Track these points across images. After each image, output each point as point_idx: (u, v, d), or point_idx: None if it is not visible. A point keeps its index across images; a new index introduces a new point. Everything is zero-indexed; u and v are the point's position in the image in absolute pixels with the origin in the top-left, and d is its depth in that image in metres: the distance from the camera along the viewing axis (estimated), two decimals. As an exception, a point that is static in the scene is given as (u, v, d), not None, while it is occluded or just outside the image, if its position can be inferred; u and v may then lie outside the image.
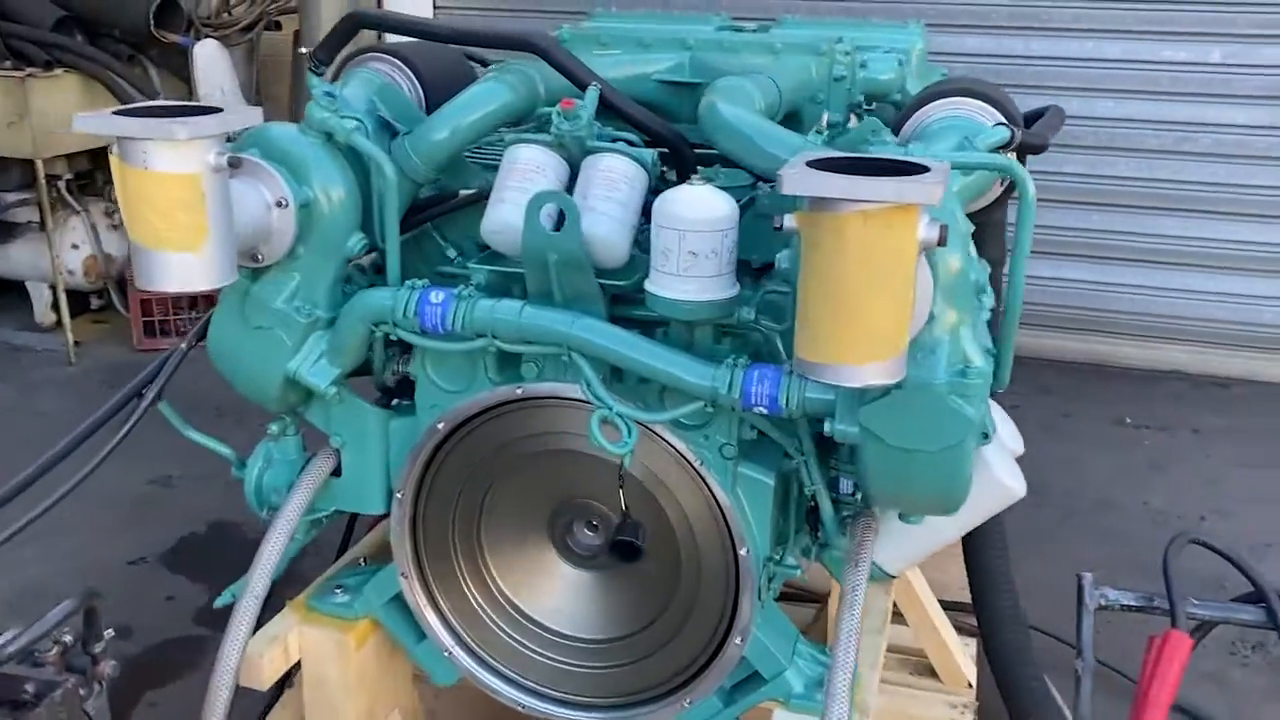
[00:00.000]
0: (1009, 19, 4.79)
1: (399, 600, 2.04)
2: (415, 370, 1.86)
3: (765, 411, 1.60)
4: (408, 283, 1.73)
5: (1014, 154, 1.80)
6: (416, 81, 2.12)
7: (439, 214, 1.93)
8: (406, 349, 1.86)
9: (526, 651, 2.01)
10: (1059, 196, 4.79)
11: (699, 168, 1.90)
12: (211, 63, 4.86)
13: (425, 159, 1.82)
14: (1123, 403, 4.72)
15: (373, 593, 2.04)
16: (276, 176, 1.67)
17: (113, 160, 1.51)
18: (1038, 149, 1.81)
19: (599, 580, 1.96)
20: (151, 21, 4.85)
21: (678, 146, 1.87)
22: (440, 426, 1.86)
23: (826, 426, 1.54)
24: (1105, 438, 4.46)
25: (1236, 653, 3.14)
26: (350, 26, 1.95)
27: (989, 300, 1.70)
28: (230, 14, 5.18)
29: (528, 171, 1.75)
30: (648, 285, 1.65)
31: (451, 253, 1.98)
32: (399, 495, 1.94)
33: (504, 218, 1.72)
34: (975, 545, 2.24)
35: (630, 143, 1.79)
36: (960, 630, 2.63)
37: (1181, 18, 4.62)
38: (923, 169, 1.26)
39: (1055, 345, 5.07)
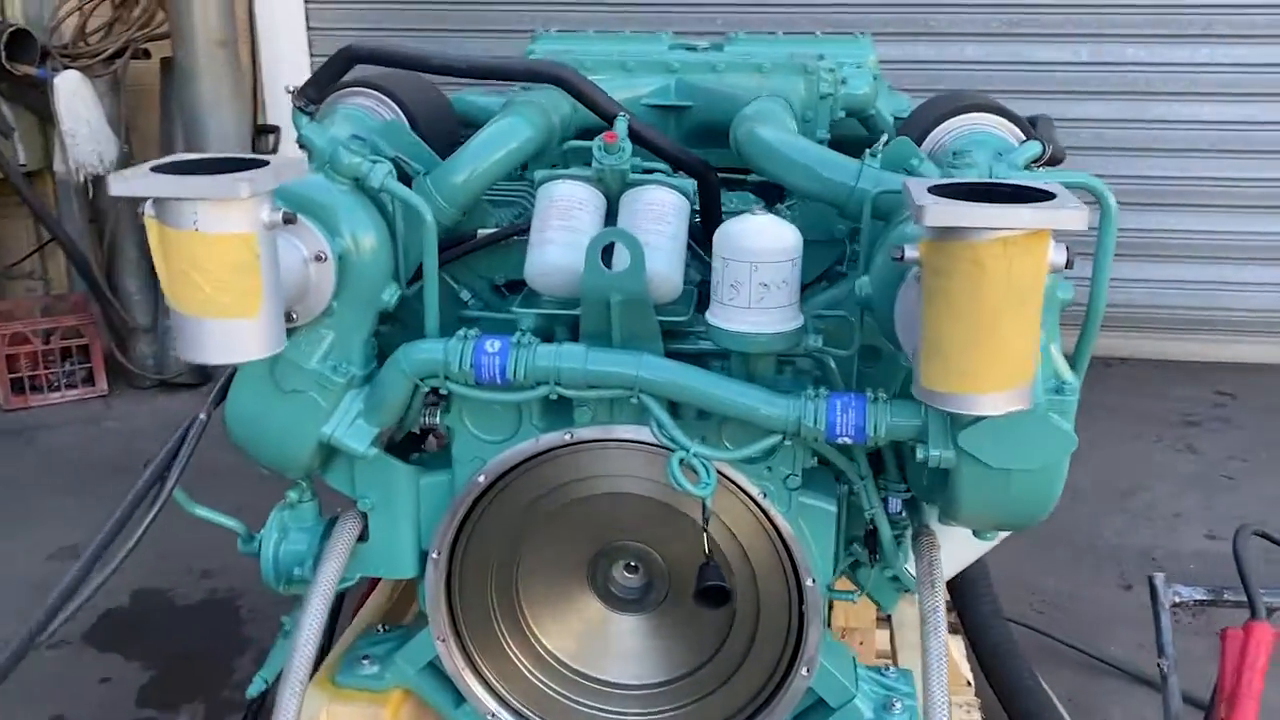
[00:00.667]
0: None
1: (432, 665, 1.93)
2: (452, 422, 1.76)
3: (850, 440, 1.57)
4: (459, 333, 1.63)
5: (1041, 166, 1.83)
6: (403, 116, 2.02)
7: (458, 256, 1.83)
8: (438, 400, 1.75)
9: (575, 705, 1.93)
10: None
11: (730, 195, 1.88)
12: (73, 95, 4.51)
13: (450, 201, 1.72)
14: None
15: (405, 660, 1.92)
16: (313, 229, 1.55)
17: (149, 223, 1.36)
18: (1058, 160, 1.85)
19: (647, 623, 1.90)
20: (2, 53, 4.47)
21: (704, 174, 1.83)
22: (482, 479, 1.77)
23: (919, 453, 1.53)
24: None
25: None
26: (345, 61, 1.83)
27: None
28: (87, 43, 4.82)
29: (570, 209, 1.68)
30: (712, 319, 1.61)
31: (465, 295, 1.88)
32: (434, 555, 1.83)
33: (552, 260, 1.65)
34: None
35: (667, 172, 1.74)
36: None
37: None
38: (1047, 195, 1.26)
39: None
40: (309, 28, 5.29)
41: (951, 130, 1.88)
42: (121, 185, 1.33)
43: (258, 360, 1.63)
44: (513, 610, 1.90)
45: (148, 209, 1.37)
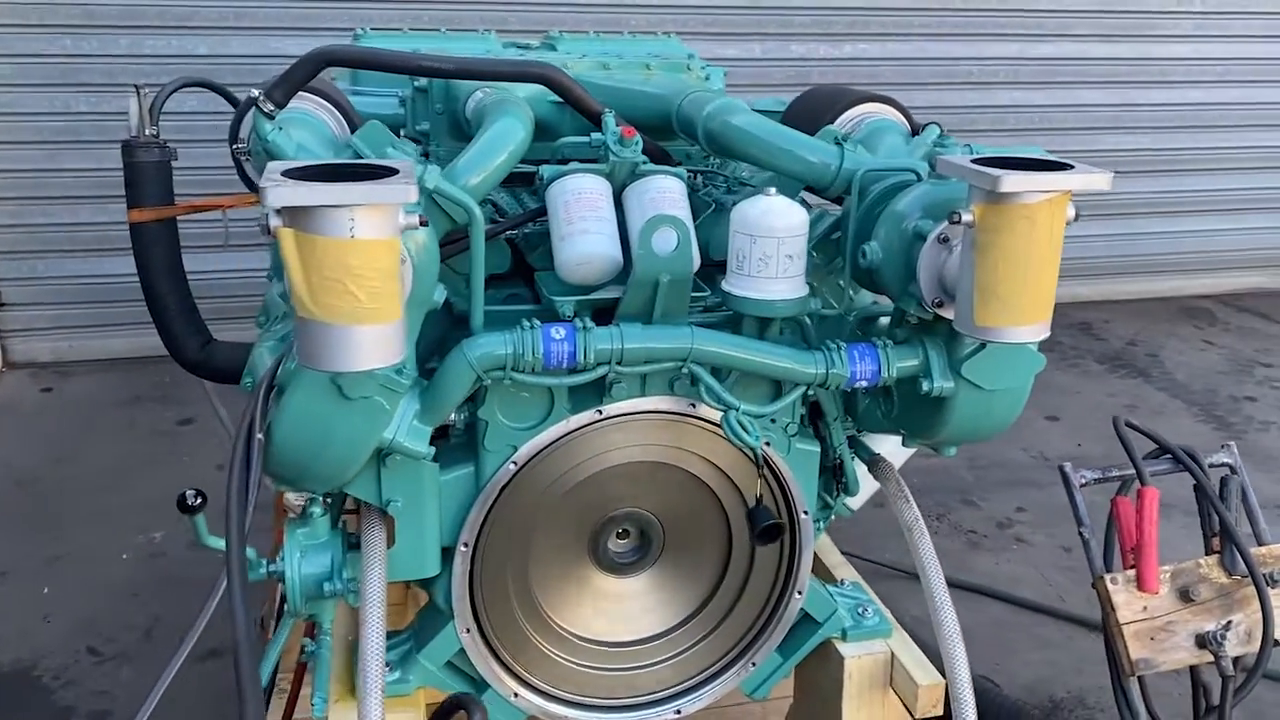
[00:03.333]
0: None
1: (449, 660, 1.96)
2: (484, 414, 1.80)
3: (867, 384, 1.84)
4: (522, 324, 1.69)
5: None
6: (344, 121, 2.01)
7: (454, 254, 1.87)
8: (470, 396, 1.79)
9: (594, 671, 2.04)
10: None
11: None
12: None
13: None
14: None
15: (428, 660, 1.93)
16: (395, 232, 1.54)
17: (284, 234, 1.32)
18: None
19: (648, 580, 2.06)
20: None
21: (664, 161, 2.01)
22: (513, 466, 1.83)
23: (924, 385, 1.82)
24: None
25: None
26: (316, 64, 1.79)
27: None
28: None
29: (596, 201, 1.79)
30: (736, 290, 1.80)
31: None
32: (463, 548, 1.86)
33: (592, 248, 1.75)
34: None
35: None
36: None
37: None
38: (1063, 164, 1.59)
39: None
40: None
41: (854, 119, 2.19)
42: (280, 196, 1.28)
43: (316, 373, 1.61)
44: (528, 591, 1.97)
45: (274, 220, 1.33)
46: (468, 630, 1.92)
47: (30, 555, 3.60)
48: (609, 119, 1.89)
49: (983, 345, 1.78)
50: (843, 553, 3.47)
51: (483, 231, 1.69)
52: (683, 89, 2.19)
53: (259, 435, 1.58)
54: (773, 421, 1.93)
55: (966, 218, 1.57)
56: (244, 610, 1.37)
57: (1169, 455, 2.13)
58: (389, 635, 2.02)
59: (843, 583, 2.25)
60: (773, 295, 1.78)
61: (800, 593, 2.07)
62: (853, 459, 2.11)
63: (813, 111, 2.25)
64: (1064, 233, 1.59)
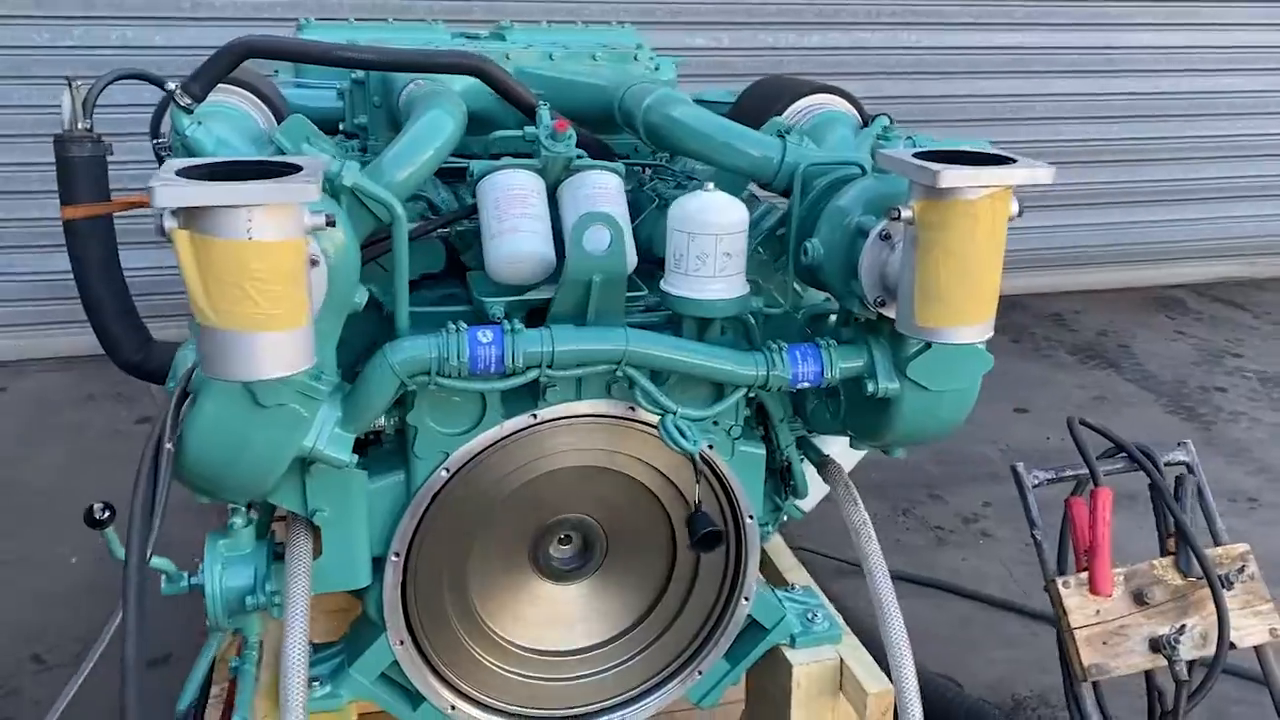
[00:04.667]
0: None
1: (383, 673, 1.89)
2: (413, 420, 1.74)
3: (809, 385, 1.78)
4: (448, 326, 1.62)
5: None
6: (272, 115, 1.93)
7: (382, 253, 1.80)
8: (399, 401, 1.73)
9: (535, 681, 1.98)
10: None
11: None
12: None
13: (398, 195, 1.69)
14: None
15: (360, 673, 1.87)
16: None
17: (178, 236, 1.25)
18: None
19: (589, 587, 2.00)
20: None
21: (606, 156, 1.94)
22: (444, 473, 1.77)
23: (869, 386, 1.77)
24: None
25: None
26: (236, 56, 1.72)
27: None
28: None
29: (526, 197, 1.72)
30: (672, 289, 1.74)
31: (374, 290, 1.85)
32: (394, 558, 1.80)
33: (521, 247, 1.69)
34: None
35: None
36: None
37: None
38: (1006, 158, 1.54)
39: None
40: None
41: (802, 110, 2.13)
42: (168, 195, 1.21)
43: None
44: (465, 601, 1.91)
45: (168, 221, 1.26)
46: (401, 642, 1.86)
47: (-25, 560, 3.51)
48: (543, 112, 1.82)
49: (928, 346, 1.72)
50: (817, 553, 3.48)
51: (405, 230, 1.62)
52: (626, 80, 2.12)
53: (169, 445, 1.51)
54: (715, 424, 1.87)
55: (906, 214, 1.51)
56: (138, 631, 1.30)
57: (1125, 454, 2.08)
58: (323, 647, 1.96)
59: (793, 587, 2.20)
60: (710, 295, 1.72)
61: (747, 599, 2.01)
62: (801, 461, 2.05)
63: (762, 103, 2.19)
64: (1006, 228, 1.53)
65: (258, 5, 4.89)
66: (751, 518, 1.95)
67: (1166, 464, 2.09)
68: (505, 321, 1.66)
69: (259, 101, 1.91)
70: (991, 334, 1.58)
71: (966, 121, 5.89)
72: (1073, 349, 5.73)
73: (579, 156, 1.81)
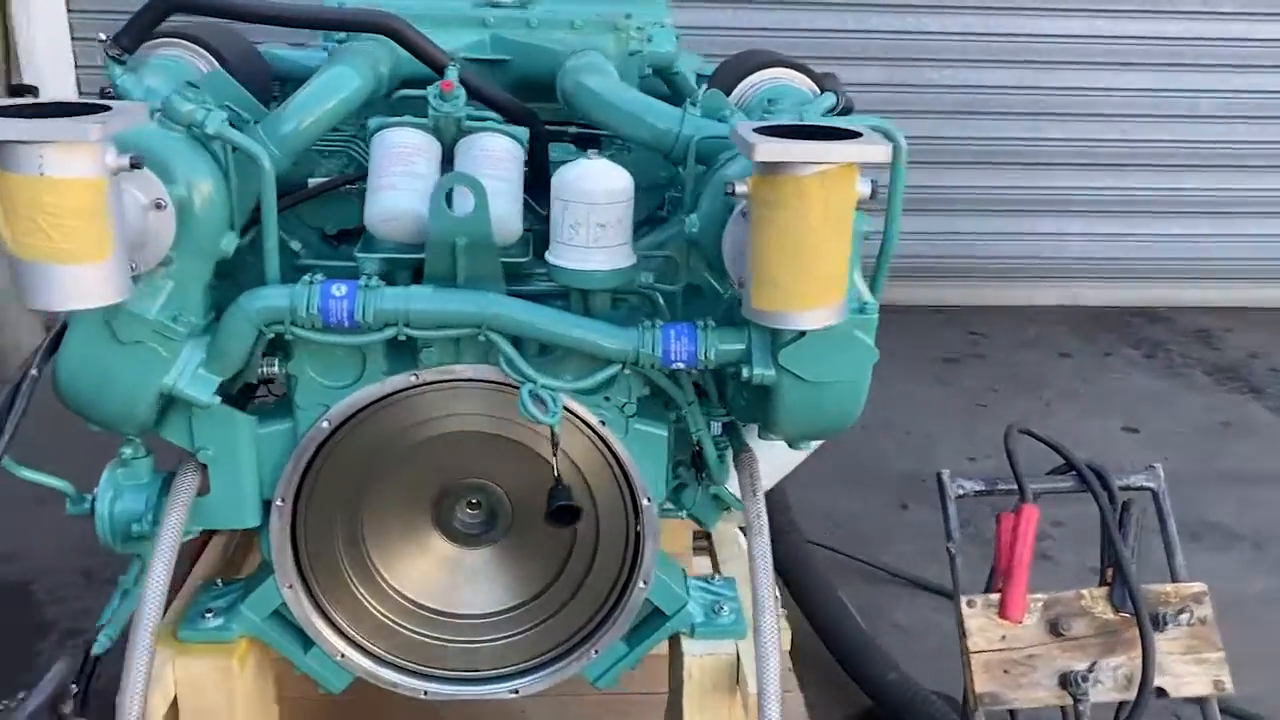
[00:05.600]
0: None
1: (277, 613, 1.95)
2: (294, 369, 1.78)
3: (683, 366, 1.72)
4: (304, 278, 1.66)
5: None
6: (218, 66, 2.00)
7: (292, 205, 1.85)
8: (278, 348, 1.77)
9: (428, 640, 2.00)
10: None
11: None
12: None
13: (282, 149, 1.73)
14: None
15: (250, 609, 1.93)
16: (151, 176, 1.54)
17: (-15, 169, 1.33)
18: (849, 110, 2.05)
19: (493, 554, 2.00)
20: None
21: (532, 123, 1.92)
22: (326, 424, 1.81)
23: (744, 372, 1.69)
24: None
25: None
26: (162, 10, 1.80)
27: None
28: None
29: (408, 155, 1.73)
30: (552, 259, 1.71)
31: (296, 245, 1.90)
32: (279, 503, 1.85)
33: (396, 204, 1.70)
34: None
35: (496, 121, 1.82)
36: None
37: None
38: (854, 133, 1.43)
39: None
40: (73, 38, 4.95)
41: (755, 84, 2.05)
42: (-37, 129, 1.29)
43: (92, 312, 1.62)
44: (360, 553, 1.94)
45: (-18, 156, 1.34)
46: (289, 586, 1.91)
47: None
48: (450, 71, 1.82)
49: (802, 333, 1.63)
50: (828, 548, 3.36)
51: (273, 182, 1.66)
52: (578, 48, 2.09)
53: (34, 371, 1.61)
54: (606, 399, 1.83)
55: (741, 189, 1.43)
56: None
57: (1073, 471, 1.90)
58: (227, 582, 2.05)
59: (714, 578, 2.12)
60: (582, 265, 1.68)
61: (645, 583, 1.96)
62: (725, 446, 1.98)
63: (723, 78, 2.12)
64: (852, 211, 1.43)
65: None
66: (649, 500, 1.90)
67: (1127, 487, 1.90)
68: (367, 277, 1.67)
69: (209, 55, 1.99)
70: (836, 320, 1.48)
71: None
72: (1211, 369, 5.25)
73: (480, 119, 1.80)
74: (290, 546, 1.90)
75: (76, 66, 4.93)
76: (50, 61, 4.84)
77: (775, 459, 2.12)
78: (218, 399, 1.70)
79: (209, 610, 1.95)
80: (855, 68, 5.19)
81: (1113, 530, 1.82)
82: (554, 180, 1.68)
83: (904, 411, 4.52)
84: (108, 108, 1.38)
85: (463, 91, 1.74)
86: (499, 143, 1.76)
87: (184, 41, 1.99)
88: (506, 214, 1.71)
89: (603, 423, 1.83)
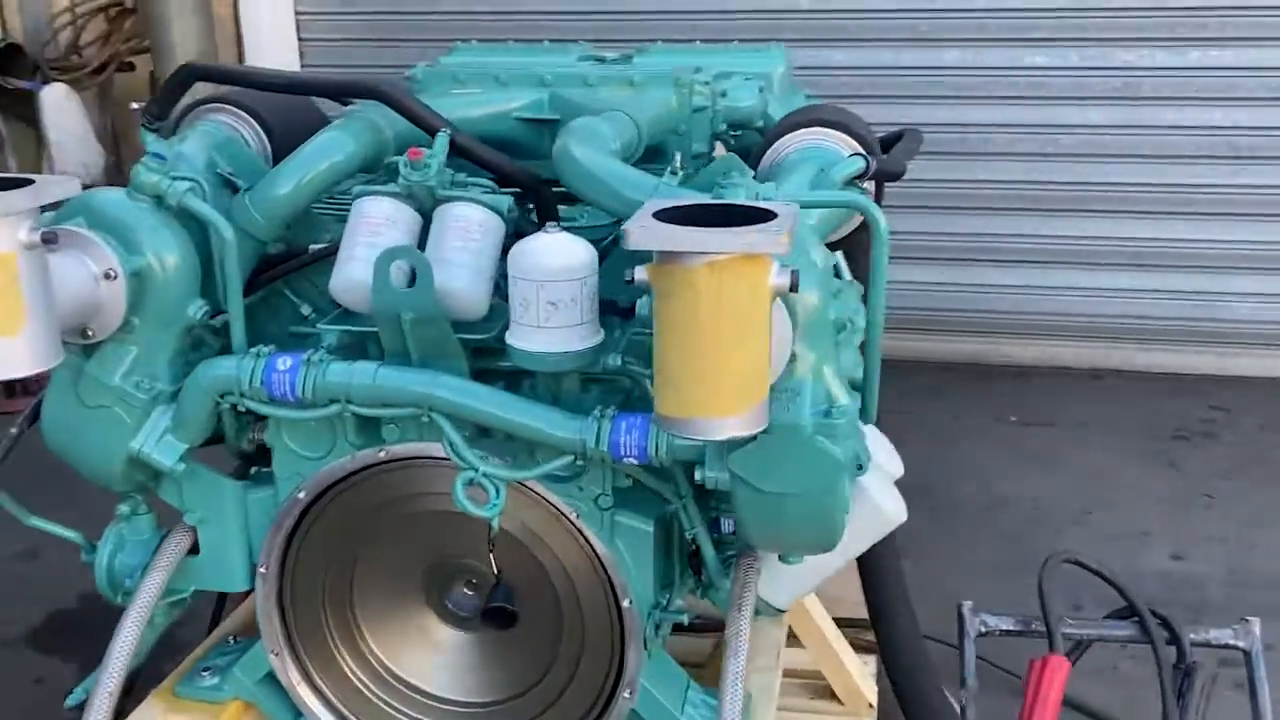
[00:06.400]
0: (879, 32, 4.89)
1: (271, 678, 1.94)
2: (271, 438, 1.76)
3: (635, 461, 1.55)
4: (252, 350, 1.64)
5: (872, 181, 1.79)
6: (262, 132, 2.03)
7: (288, 271, 1.84)
8: (262, 415, 1.76)
9: (406, 718, 1.93)
10: (930, 202, 4.92)
11: (560, 208, 1.86)
12: (59, 107, 4.65)
13: (268, 216, 1.73)
14: (1006, 401, 4.84)
15: (242, 672, 1.93)
16: (102, 247, 1.57)
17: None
18: (894, 175, 1.81)
19: (482, 641, 1.89)
20: (-5, 69, 4.63)
21: (535, 188, 1.82)
22: (302, 495, 1.77)
23: (697, 474, 1.50)
24: (992, 437, 4.56)
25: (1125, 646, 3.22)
26: (184, 79, 1.86)
27: (861, 323, 1.70)
28: (80, 55, 4.96)
29: (376, 225, 1.67)
30: (508, 338, 1.59)
31: (306, 309, 1.89)
32: (262, 570, 1.84)
33: (353, 275, 1.64)
34: (869, 562, 2.24)
35: (489, 188, 1.73)
36: (858, 648, 2.63)
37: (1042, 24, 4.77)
38: (770, 214, 1.23)
39: (940, 349, 5.20)
40: (300, 39, 5.35)
41: (790, 145, 1.85)
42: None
43: (66, 376, 1.67)
44: (347, 624, 1.90)
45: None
46: (275, 652, 1.89)
47: None
48: (441, 138, 1.75)
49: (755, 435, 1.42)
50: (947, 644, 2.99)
51: (233, 250, 1.65)
52: (613, 106, 1.97)
53: (14, 430, 1.68)
54: (580, 489, 1.69)
55: (640, 276, 1.26)
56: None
57: (1134, 617, 1.56)
58: (239, 640, 2.06)
59: (722, 692, 1.90)
60: (531, 345, 1.55)
61: (630, 693, 1.79)
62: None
63: (772, 135, 1.94)
64: (762, 305, 1.22)
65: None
66: (629, 602, 1.73)
67: (1206, 644, 1.54)
68: (313, 351, 1.63)
69: (249, 119, 2.02)
70: (752, 430, 1.27)
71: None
72: None
73: (467, 185, 1.71)
74: (277, 613, 1.88)
75: (300, 39, 5.24)
76: (273, 39, 5.15)
77: (796, 572, 1.90)
78: (183, 465, 1.71)
79: (208, 668, 1.97)
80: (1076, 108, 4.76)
81: (1166, 695, 1.46)
82: (509, 256, 1.57)
83: (1114, 497, 4.02)
84: (29, 182, 1.41)
85: (436, 160, 1.67)
86: (471, 213, 1.67)
87: (229, 107, 2.04)
88: (466, 288, 1.61)
89: (578, 514, 1.69)
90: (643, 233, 1.17)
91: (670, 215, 1.23)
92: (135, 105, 1.85)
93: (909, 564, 3.43)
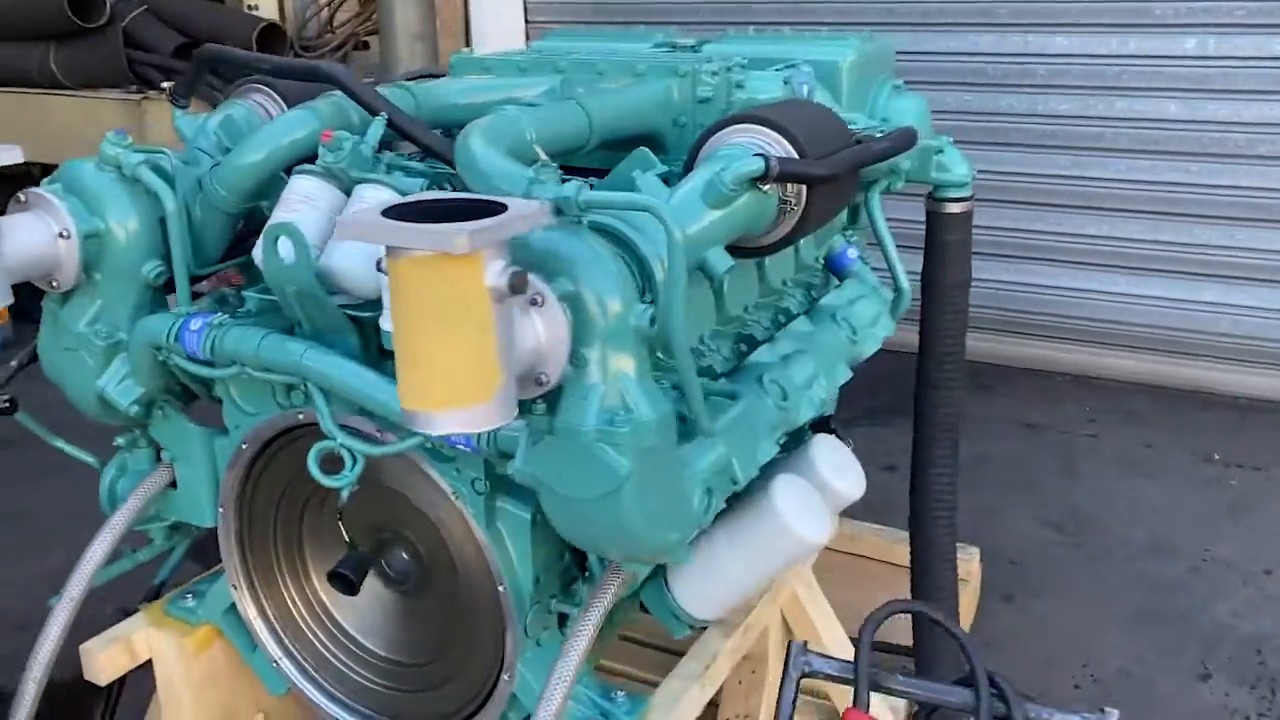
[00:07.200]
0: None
1: (235, 609, 2.13)
2: (220, 392, 1.93)
3: (467, 450, 1.57)
4: (175, 309, 1.81)
5: (799, 184, 1.70)
6: (285, 108, 2.20)
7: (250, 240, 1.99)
8: None
9: (342, 666, 2.06)
10: (1136, 206, 4.46)
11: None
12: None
13: (229, 188, 1.88)
14: (1215, 436, 4.30)
15: (213, 601, 2.14)
16: (60, 209, 1.78)
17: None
18: (816, 179, 1.69)
19: (406, 603, 1.98)
20: (254, 46, 5.21)
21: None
22: (244, 447, 1.93)
23: (508, 467, 1.50)
24: (1186, 474, 4.08)
25: None
26: (202, 62, 2.07)
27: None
28: (334, 34, 5.48)
29: (294, 202, 1.78)
30: (381, 320, 1.66)
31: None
32: (221, 510, 2.02)
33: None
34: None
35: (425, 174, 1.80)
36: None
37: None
38: (503, 209, 1.22)
39: (1147, 369, 4.70)
40: (527, 21, 5.61)
41: (721, 141, 1.78)
42: None
43: (50, 319, 1.92)
44: (295, 567, 2.05)
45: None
46: (235, 586, 2.08)
47: None
48: (378, 122, 1.84)
49: (550, 431, 1.41)
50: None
51: (177, 218, 1.82)
52: (608, 95, 2.00)
53: (13, 363, 1.96)
54: (458, 472, 1.73)
55: (384, 265, 1.29)
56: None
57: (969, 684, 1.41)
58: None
59: (617, 694, 1.88)
60: (387, 325, 1.61)
61: (509, 677, 1.82)
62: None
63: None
64: (475, 302, 1.21)
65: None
66: (503, 586, 1.76)
67: (1050, 727, 1.36)
68: (220, 315, 1.77)
69: (277, 98, 2.20)
70: (480, 428, 1.26)
71: None
72: None
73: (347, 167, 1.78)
74: (237, 550, 2.06)
75: (527, 23, 5.44)
76: (499, 23, 5.38)
77: (728, 578, 1.84)
78: (136, 407, 1.92)
79: (192, 592, 2.19)
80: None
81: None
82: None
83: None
84: None
85: (347, 143, 1.75)
86: (371, 195, 1.74)
87: (263, 87, 2.23)
88: (353, 267, 1.69)
89: (456, 495, 1.74)
90: (348, 222, 1.20)
91: (404, 210, 1.25)
92: (164, 86, 2.07)
93: (1048, 600, 3.20)
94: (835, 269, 2.43)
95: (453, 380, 1.23)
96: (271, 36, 5.28)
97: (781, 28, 2.77)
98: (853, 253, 2.42)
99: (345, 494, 1.69)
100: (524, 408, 1.43)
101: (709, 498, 1.60)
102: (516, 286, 1.21)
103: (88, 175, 1.84)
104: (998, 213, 4.66)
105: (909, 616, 2.33)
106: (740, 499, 1.82)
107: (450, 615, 1.89)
